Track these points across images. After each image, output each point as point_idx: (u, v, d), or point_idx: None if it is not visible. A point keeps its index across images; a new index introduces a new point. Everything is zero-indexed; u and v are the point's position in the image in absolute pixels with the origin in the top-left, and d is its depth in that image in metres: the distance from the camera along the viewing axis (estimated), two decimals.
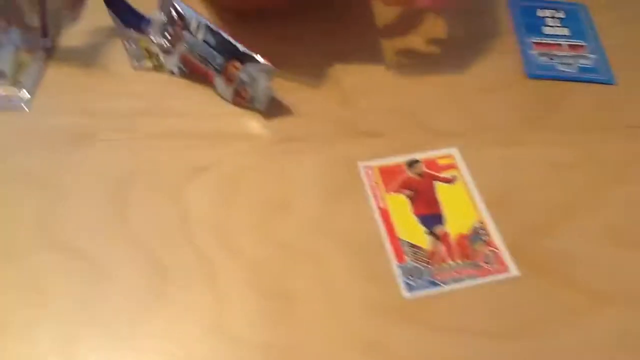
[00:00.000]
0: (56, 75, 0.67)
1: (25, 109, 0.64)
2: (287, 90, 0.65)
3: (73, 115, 0.63)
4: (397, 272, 0.54)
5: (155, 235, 0.55)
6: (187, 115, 0.64)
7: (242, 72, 0.62)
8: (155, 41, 0.66)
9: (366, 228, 0.57)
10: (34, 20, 0.67)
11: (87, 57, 0.68)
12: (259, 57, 0.62)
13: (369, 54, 0.70)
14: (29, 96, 0.64)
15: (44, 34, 0.67)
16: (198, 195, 0.58)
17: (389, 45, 0.71)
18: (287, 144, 0.62)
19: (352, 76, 0.68)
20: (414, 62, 0.70)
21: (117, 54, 0.68)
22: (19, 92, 0.64)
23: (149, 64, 0.67)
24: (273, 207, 0.58)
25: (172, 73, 0.67)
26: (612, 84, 0.68)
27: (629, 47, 0.72)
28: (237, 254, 0.55)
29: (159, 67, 0.67)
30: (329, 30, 0.71)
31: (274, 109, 0.64)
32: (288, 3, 0.68)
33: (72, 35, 0.69)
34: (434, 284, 0.54)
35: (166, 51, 0.66)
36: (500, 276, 0.54)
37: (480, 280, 0.54)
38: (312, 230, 0.56)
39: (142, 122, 0.63)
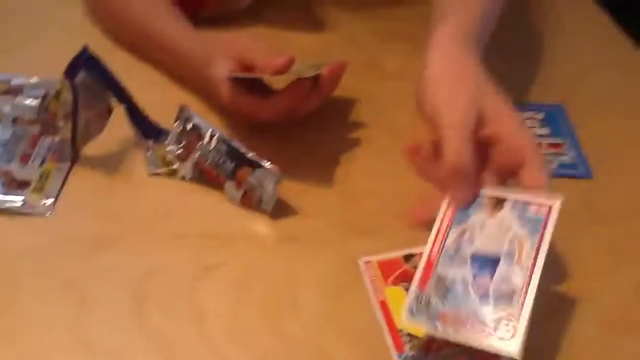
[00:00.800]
0: (79, 181, 0.72)
1: (47, 214, 0.68)
2: (293, 192, 0.71)
3: (94, 219, 0.69)
4: None
5: (172, 335, 0.59)
6: (199, 217, 0.70)
7: (251, 177, 0.68)
8: (170, 150, 0.73)
9: (368, 320, 0.61)
10: (66, 132, 0.72)
11: (108, 165, 0.73)
12: (266, 164, 0.68)
13: (373, 155, 0.76)
14: (52, 202, 0.69)
15: (74, 145, 0.73)
16: (211, 293, 0.63)
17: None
18: (293, 243, 0.68)
19: (354, 177, 0.74)
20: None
21: (137, 162, 0.74)
22: (42, 199, 0.69)
23: (164, 170, 0.73)
24: (281, 303, 0.62)
25: (183, 178, 0.73)
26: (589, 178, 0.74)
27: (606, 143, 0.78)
28: (249, 350, 0.59)
29: (173, 173, 0.73)
30: (330, 133, 0.78)
31: (279, 210, 0.69)
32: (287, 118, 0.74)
33: (96, 145, 0.74)
34: None
35: (181, 158, 0.72)
36: None
37: None
38: (318, 325, 0.61)
39: (158, 224, 0.68)
